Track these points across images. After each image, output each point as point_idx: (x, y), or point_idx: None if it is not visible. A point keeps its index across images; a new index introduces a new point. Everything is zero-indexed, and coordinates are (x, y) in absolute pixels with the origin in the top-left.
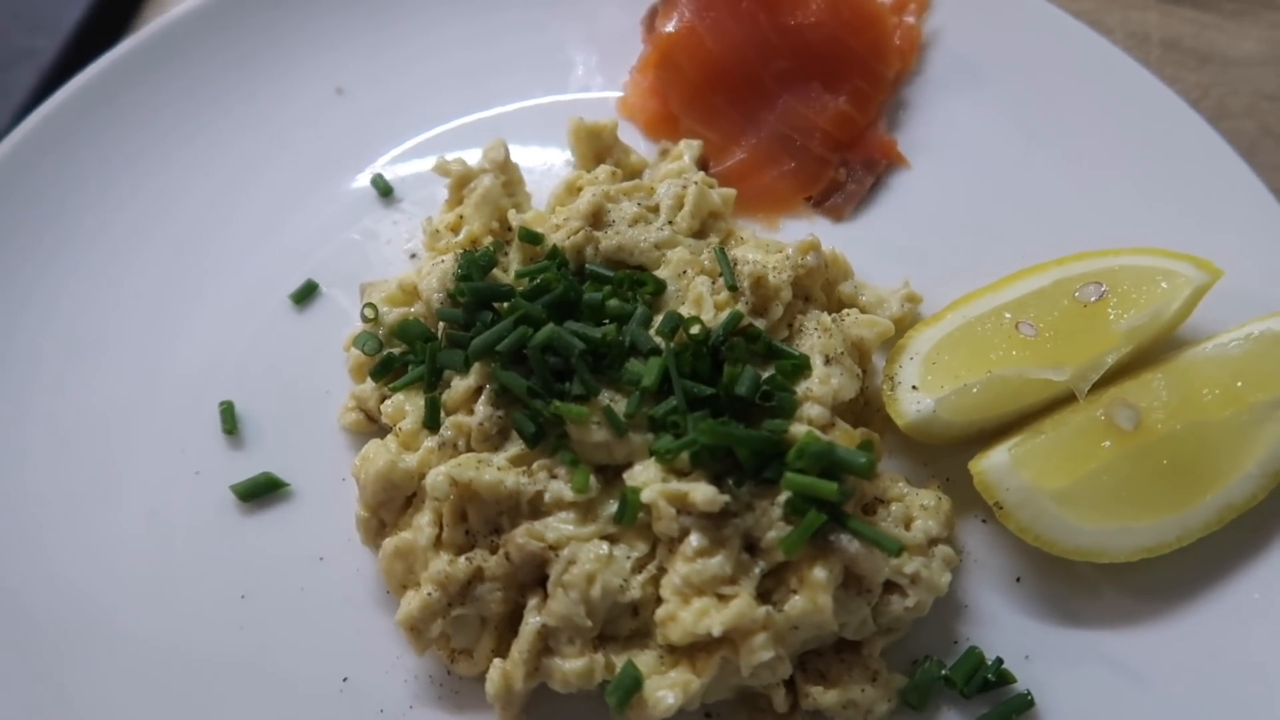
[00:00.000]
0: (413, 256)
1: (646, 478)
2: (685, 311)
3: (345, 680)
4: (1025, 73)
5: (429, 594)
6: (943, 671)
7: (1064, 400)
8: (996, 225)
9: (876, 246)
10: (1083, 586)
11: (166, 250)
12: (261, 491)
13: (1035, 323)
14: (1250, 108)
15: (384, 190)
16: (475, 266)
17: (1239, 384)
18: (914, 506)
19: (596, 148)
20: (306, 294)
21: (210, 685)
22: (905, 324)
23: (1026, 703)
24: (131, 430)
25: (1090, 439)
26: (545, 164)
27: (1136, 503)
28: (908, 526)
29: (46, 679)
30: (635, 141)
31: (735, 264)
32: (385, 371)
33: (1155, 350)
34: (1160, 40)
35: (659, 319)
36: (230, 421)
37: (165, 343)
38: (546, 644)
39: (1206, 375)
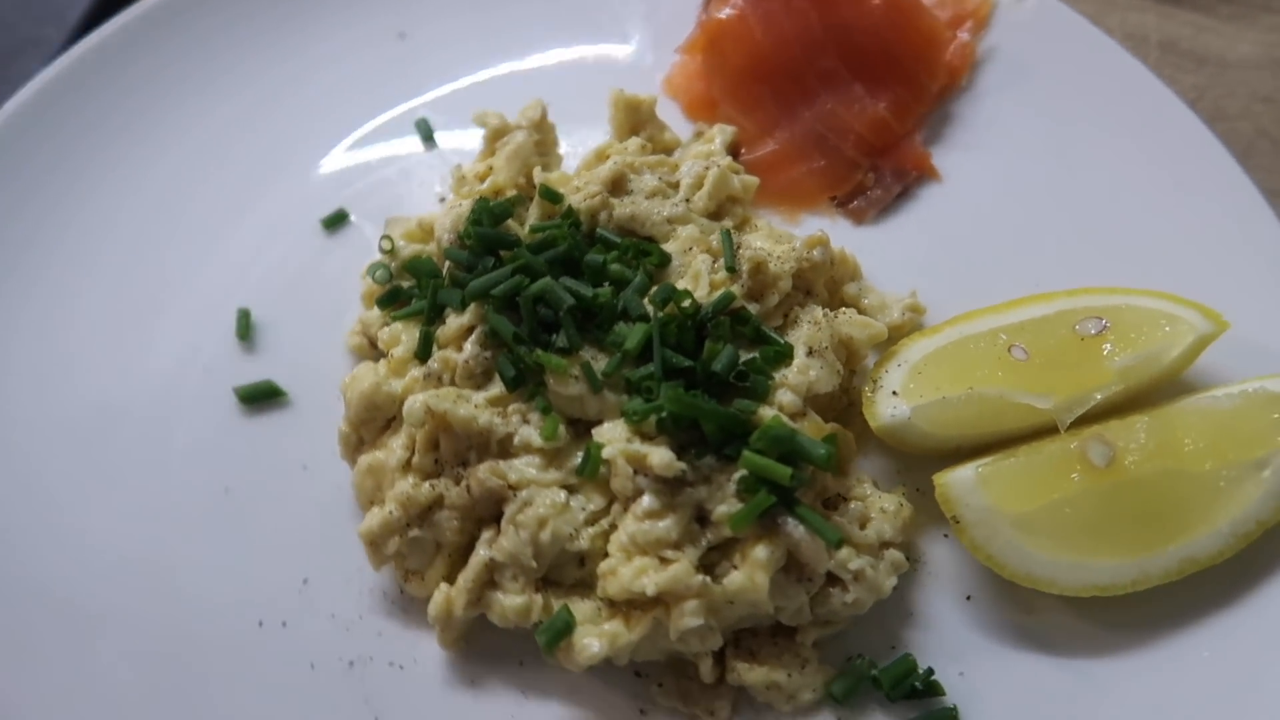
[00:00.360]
0: (441, 200)
1: (613, 436)
2: (682, 286)
3: (305, 581)
4: (1073, 103)
5: (390, 512)
6: (873, 671)
7: (1048, 432)
8: (1016, 250)
9: (892, 254)
10: (1031, 614)
11: (212, 166)
12: (261, 396)
13: (1029, 348)
14: (1246, 110)
15: (426, 135)
16: (488, 213)
17: (1223, 439)
18: (873, 508)
19: (634, 120)
20: (337, 221)
21: (180, 566)
22: (903, 332)
23: (950, 716)
24: (151, 322)
25: (1060, 469)
26: (590, 134)
27: (1096, 540)
28: (863, 526)
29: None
30: (675, 121)
31: (739, 248)
32: (391, 301)
33: (1152, 395)
34: (1158, 42)
35: (658, 288)
36: (244, 328)
37: (197, 247)
38: (492, 577)
39: (1191, 425)
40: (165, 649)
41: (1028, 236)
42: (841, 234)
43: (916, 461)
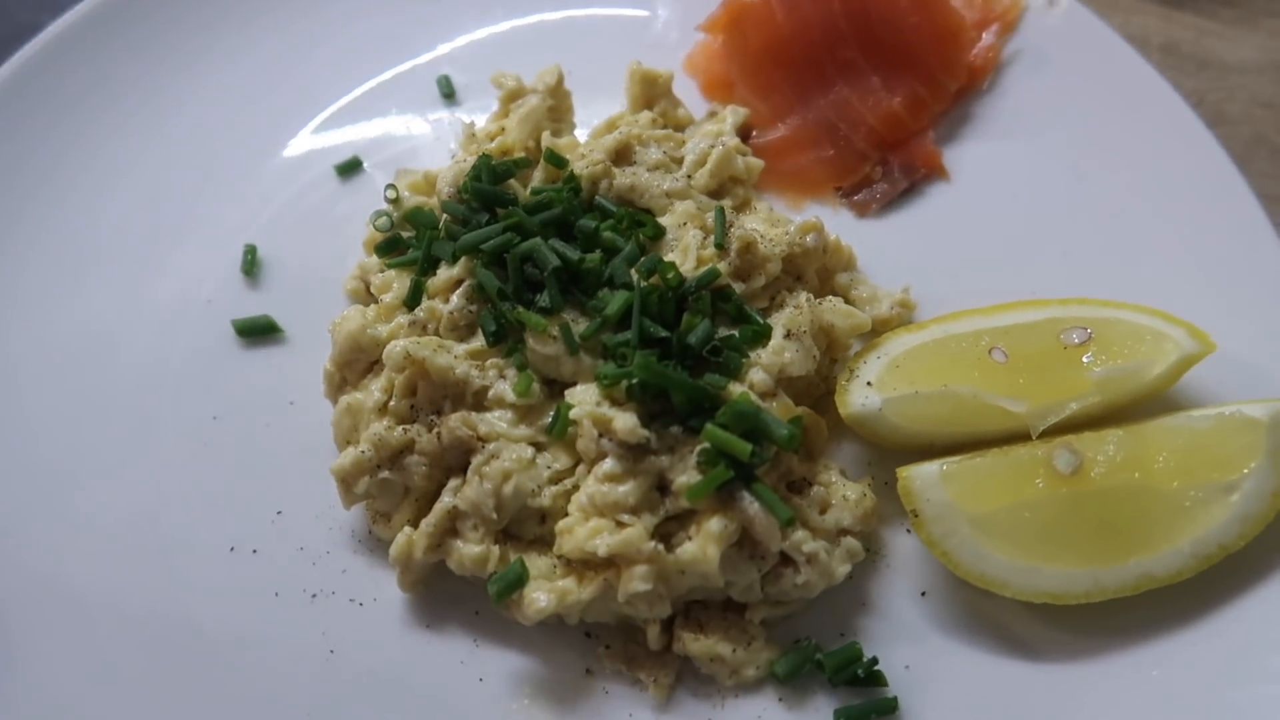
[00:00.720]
0: (454, 156)
1: (584, 398)
2: (671, 259)
3: (279, 513)
4: (1093, 114)
5: (362, 451)
6: (817, 655)
7: (1022, 437)
8: (1017, 257)
9: (891, 250)
10: (983, 614)
11: (236, 109)
12: (258, 331)
13: (1010, 352)
14: (1245, 114)
15: (447, 91)
16: (489, 171)
17: (1193, 459)
18: (836, 495)
19: (649, 94)
20: (350, 169)
21: (161, 487)
22: (890, 327)
23: (889, 706)
24: (165, 254)
25: (1024, 473)
26: (609, 105)
27: (1053, 547)
28: (823, 511)
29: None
30: (693, 100)
31: (731, 226)
32: (390, 249)
33: (1131, 412)
34: (1160, 45)
35: (645, 258)
36: (250, 264)
37: (215, 184)
38: (454, 525)
39: (1163, 443)
40: (137, 564)
41: (1028, 243)
42: (843, 225)
43: (890, 455)
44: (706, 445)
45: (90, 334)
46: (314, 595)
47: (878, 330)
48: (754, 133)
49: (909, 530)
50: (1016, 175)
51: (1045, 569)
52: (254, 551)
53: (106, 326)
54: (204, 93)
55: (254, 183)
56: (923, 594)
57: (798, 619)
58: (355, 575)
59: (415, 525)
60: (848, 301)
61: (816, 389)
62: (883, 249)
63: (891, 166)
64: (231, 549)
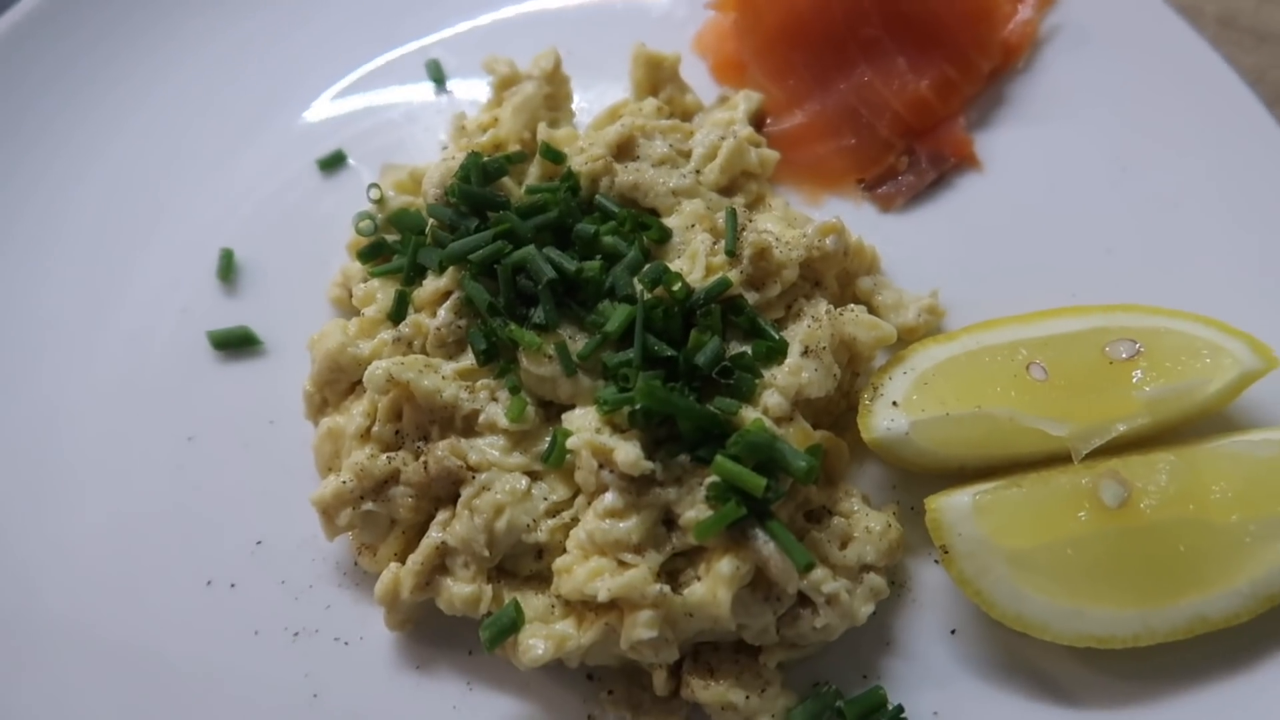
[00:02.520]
0: (444, 149)
1: (583, 424)
2: (678, 266)
3: (259, 543)
4: (1140, 96)
5: (344, 481)
6: (838, 703)
7: (1062, 460)
8: (1057, 256)
9: (918, 248)
10: (1018, 656)
11: (210, 98)
12: (235, 343)
13: (1050, 367)
14: None
15: (437, 77)
16: (479, 170)
17: (1255, 490)
18: (858, 527)
19: (654, 78)
20: (333, 163)
21: (134, 516)
22: (917, 335)
23: None
24: (133, 256)
25: (1066, 506)
26: (610, 89)
27: (1098, 586)
28: (844, 545)
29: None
30: (701, 82)
31: (743, 229)
32: (374, 255)
33: (1183, 431)
34: (1215, 16)
35: (648, 267)
36: (226, 268)
37: (188, 181)
38: (443, 562)
39: (1221, 471)
40: (109, 603)
41: (1069, 241)
42: (864, 221)
43: (915, 477)
44: (715, 478)
45: (54, 347)
46: (296, 633)
47: (904, 340)
48: (768, 120)
49: (937, 561)
50: (1056, 165)
51: (1089, 610)
52: (232, 585)
53: (71, 338)
54: (172, 81)
55: (229, 179)
56: (952, 632)
57: (816, 660)
58: (340, 611)
59: (402, 559)
60: (870, 308)
61: (836, 406)
62: (907, 248)
63: (918, 156)
64: (208, 583)
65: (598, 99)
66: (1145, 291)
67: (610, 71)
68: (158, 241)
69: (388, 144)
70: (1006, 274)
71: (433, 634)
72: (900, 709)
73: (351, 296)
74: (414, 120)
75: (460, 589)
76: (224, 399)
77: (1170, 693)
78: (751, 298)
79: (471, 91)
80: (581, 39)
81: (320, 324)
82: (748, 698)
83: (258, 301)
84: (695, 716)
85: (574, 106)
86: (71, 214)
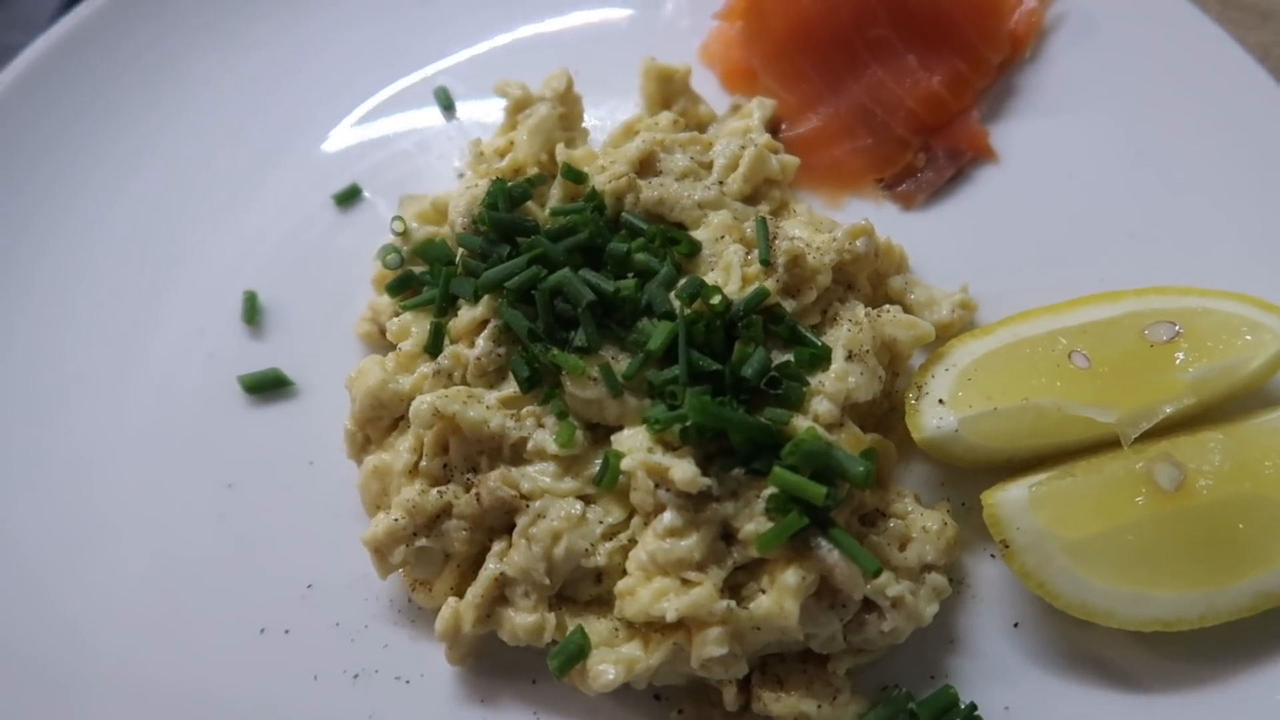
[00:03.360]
0: (460, 176)
1: (634, 444)
2: (712, 279)
3: (309, 587)
4: (1149, 78)
5: (395, 519)
6: (910, 705)
7: (1109, 445)
8: (1081, 242)
9: (942, 243)
10: (1083, 645)
11: (221, 137)
12: (267, 386)
13: (1091, 354)
14: None
15: (446, 104)
16: (504, 196)
17: None
18: (915, 527)
19: (666, 92)
20: (349, 197)
21: (180, 567)
22: (952, 332)
23: None
24: (155, 304)
25: (1123, 492)
26: (620, 106)
27: (1160, 570)
28: (903, 547)
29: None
30: (711, 92)
31: (774, 237)
32: (402, 288)
33: (1226, 409)
34: None
35: (685, 282)
36: (251, 311)
37: (205, 224)
38: (502, 593)
39: (1272, 446)
40: (162, 655)
41: (1094, 226)
42: (888, 220)
43: (963, 472)
44: (773, 490)
45: (83, 400)
46: (356, 675)
47: (939, 336)
48: (783, 126)
49: (994, 556)
50: (1071, 151)
51: (1153, 595)
52: (286, 631)
53: (99, 391)
54: (182, 122)
55: (245, 220)
56: (1015, 625)
57: (882, 664)
58: (398, 650)
59: (459, 592)
60: (905, 308)
61: (879, 407)
62: (933, 244)
63: (935, 152)
64: (262, 630)
65: (608, 116)
66: (1171, 272)
67: (618, 88)
68: (179, 287)
69: (402, 174)
70: (1032, 264)
71: (493, 666)
72: (973, 707)
73: (384, 332)
74: (426, 149)
75: (523, 619)
76: (260, 443)
77: (1235, 671)
78: (788, 305)
79: (480, 115)
80: (586, 57)
81: (349, 361)
82: (820, 706)
83: (284, 342)
84: None
85: (585, 125)
86: (92, 264)
